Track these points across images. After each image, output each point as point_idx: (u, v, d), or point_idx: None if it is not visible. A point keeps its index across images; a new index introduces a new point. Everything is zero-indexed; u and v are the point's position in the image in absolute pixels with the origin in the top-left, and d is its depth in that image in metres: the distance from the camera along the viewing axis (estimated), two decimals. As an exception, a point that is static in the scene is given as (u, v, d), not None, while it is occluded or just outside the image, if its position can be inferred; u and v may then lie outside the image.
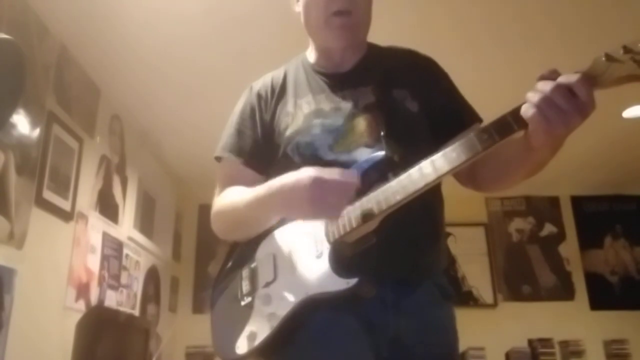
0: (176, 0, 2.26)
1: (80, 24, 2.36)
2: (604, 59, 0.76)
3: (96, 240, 2.75)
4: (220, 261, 1.18)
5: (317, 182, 0.90)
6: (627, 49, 0.74)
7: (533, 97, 0.79)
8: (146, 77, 2.81)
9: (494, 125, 0.84)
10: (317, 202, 0.89)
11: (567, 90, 0.77)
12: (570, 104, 0.76)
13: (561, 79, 0.78)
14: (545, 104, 0.77)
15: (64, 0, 2.20)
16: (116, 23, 2.37)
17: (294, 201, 0.92)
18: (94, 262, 2.70)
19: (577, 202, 4.68)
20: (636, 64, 0.74)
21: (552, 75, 0.80)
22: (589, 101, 0.76)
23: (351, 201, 0.92)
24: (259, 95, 1.19)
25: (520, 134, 0.83)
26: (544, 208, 4.69)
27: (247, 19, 2.36)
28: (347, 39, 1.13)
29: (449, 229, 4.45)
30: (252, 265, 1.06)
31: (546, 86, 0.78)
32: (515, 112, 0.82)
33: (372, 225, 0.93)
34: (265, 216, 1.04)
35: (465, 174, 1.02)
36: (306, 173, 0.92)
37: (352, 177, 0.91)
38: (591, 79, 0.77)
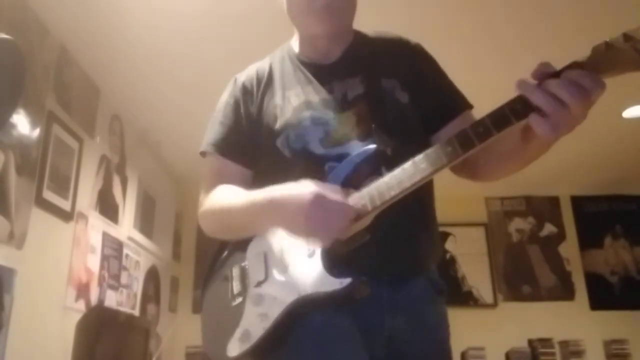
0: (176, 0, 2.26)
1: (80, 24, 2.35)
2: (604, 47, 0.73)
3: (96, 240, 2.75)
4: (210, 260, 1.15)
5: (318, 199, 0.86)
6: (627, 37, 0.72)
7: (546, 104, 0.74)
8: (146, 77, 2.81)
9: (490, 117, 0.81)
10: (313, 220, 0.87)
11: (586, 95, 0.73)
12: (585, 109, 0.74)
13: (579, 81, 0.73)
14: (558, 111, 0.74)
15: (64, 0, 2.20)
16: (116, 23, 2.37)
17: (290, 214, 0.89)
18: (94, 262, 2.70)
19: (577, 202, 4.68)
20: (637, 52, 0.71)
21: (546, 69, 0.77)
22: (596, 97, 0.74)
23: (348, 227, 0.88)
24: (244, 88, 1.15)
25: (517, 125, 0.80)
26: (544, 208, 4.69)
27: (248, 18, 2.36)
28: (331, 23, 1.08)
29: (449, 229, 4.44)
30: (243, 264, 1.03)
31: (563, 93, 0.73)
32: (512, 105, 0.79)
33: (366, 221, 0.91)
34: (260, 224, 1.00)
35: (459, 164, 1.00)
36: (309, 188, 0.88)
37: (354, 202, 0.88)
38: (594, 69, 0.74)
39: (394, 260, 0.99)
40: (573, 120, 0.75)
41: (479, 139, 0.81)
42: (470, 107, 1.12)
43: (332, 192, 0.88)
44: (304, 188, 0.89)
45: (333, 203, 0.87)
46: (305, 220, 0.87)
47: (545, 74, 0.77)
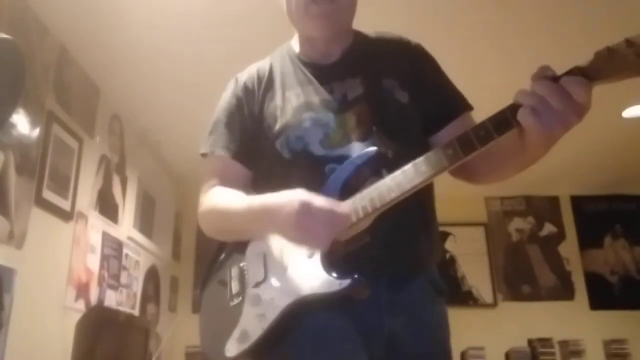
0: (176, 0, 2.26)
1: (80, 24, 2.36)
2: (606, 53, 0.74)
3: (96, 240, 2.75)
4: (209, 259, 1.15)
5: (305, 207, 0.86)
6: (630, 43, 0.72)
7: (530, 101, 0.77)
8: (146, 77, 2.81)
9: (492, 121, 0.81)
10: (301, 228, 0.87)
11: (564, 93, 0.74)
12: (568, 107, 0.75)
13: (562, 84, 0.75)
14: (543, 108, 0.75)
15: (64, 0, 2.20)
16: (116, 23, 2.37)
17: (280, 222, 0.89)
18: (94, 262, 2.70)
19: (577, 202, 4.68)
20: None
21: (545, 72, 0.78)
22: (587, 102, 0.75)
23: (340, 234, 0.88)
24: (245, 88, 1.15)
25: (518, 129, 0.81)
26: (544, 208, 4.69)
27: (248, 18, 2.36)
28: (329, 28, 1.08)
29: (449, 229, 4.43)
30: (242, 265, 1.03)
31: (543, 90, 0.76)
32: (515, 108, 0.79)
33: (366, 223, 0.90)
34: (256, 230, 1.01)
35: (458, 167, 1.01)
36: (298, 196, 0.88)
37: (345, 211, 0.88)
38: (589, 80, 0.75)
39: (393, 262, 0.99)
40: (563, 117, 0.76)
41: (481, 143, 0.81)
42: (470, 108, 1.12)
43: (322, 201, 0.88)
44: (294, 196, 0.89)
45: (321, 211, 0.86)
46: (294, 228, 0.87)
47: (544, 78, 0.77)
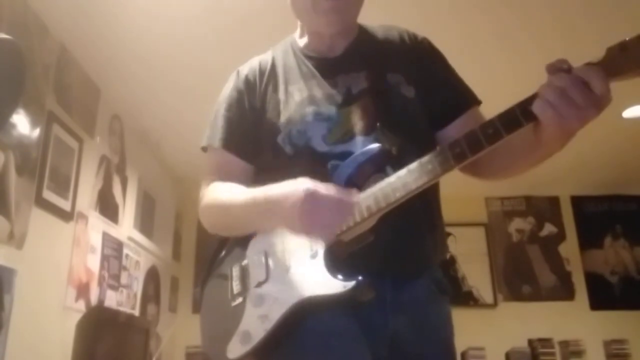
0: (175, 5, 2.26)
1: (80, 24, 2.35)
2: (618, 49, 0.72)
3: (96, 240, 2.75)
4: (210, 257, 1.13)
5: (310, 195, 0.85)
6: None
7: (548, 93, 0.75)
8: (146, 77, 2.81)
9: (500, 118, 0.80)
10: (307, 217, 0.85)
11: (584, 85, 0.73)
12: (587, 100, 0.73)
13: (578, 73, 0.74)
14: (562, 100, 0.74)
15: (64, 0, 2.20)
16: (116, 23, 2.37)
17: (285, 212, 0.87)
18: (94, 262, 2.70)
19: (577, 202, 4.68)
20: None
21: (562, 64, 0.76)
22: (606, 95, 0.73)
23: (344, 234, 0.86)
24: (246, 80, 1.13)
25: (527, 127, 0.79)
26: (544, 208, 4.69)
27: (247, 18, 2.36)
28: (337, 23, 1.07)
29: (449, 229, 4.44)
30: (243, 263, 1.01)
31: (562, 81, 0.74)
32: (524, 106, 0.78)
33: (370, 223, 0.89)
34: (259, 223, 0.99)
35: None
36: (302, 185, 0.87)
37: (350, 195, 0.86)
38: (607, 71, 0.73)
39: (398, 261, 0.98)
40: (581, 112, 0.74)
41: (488, 141, 0.80)
42: (478, 102, 1.10)
43: (328, 188, 0.87)
44: (298, 185, 0.88)
45: (327, 198, 0.85)
46: (299, 216, 0.85)
47: (559, 69, 0.76)
